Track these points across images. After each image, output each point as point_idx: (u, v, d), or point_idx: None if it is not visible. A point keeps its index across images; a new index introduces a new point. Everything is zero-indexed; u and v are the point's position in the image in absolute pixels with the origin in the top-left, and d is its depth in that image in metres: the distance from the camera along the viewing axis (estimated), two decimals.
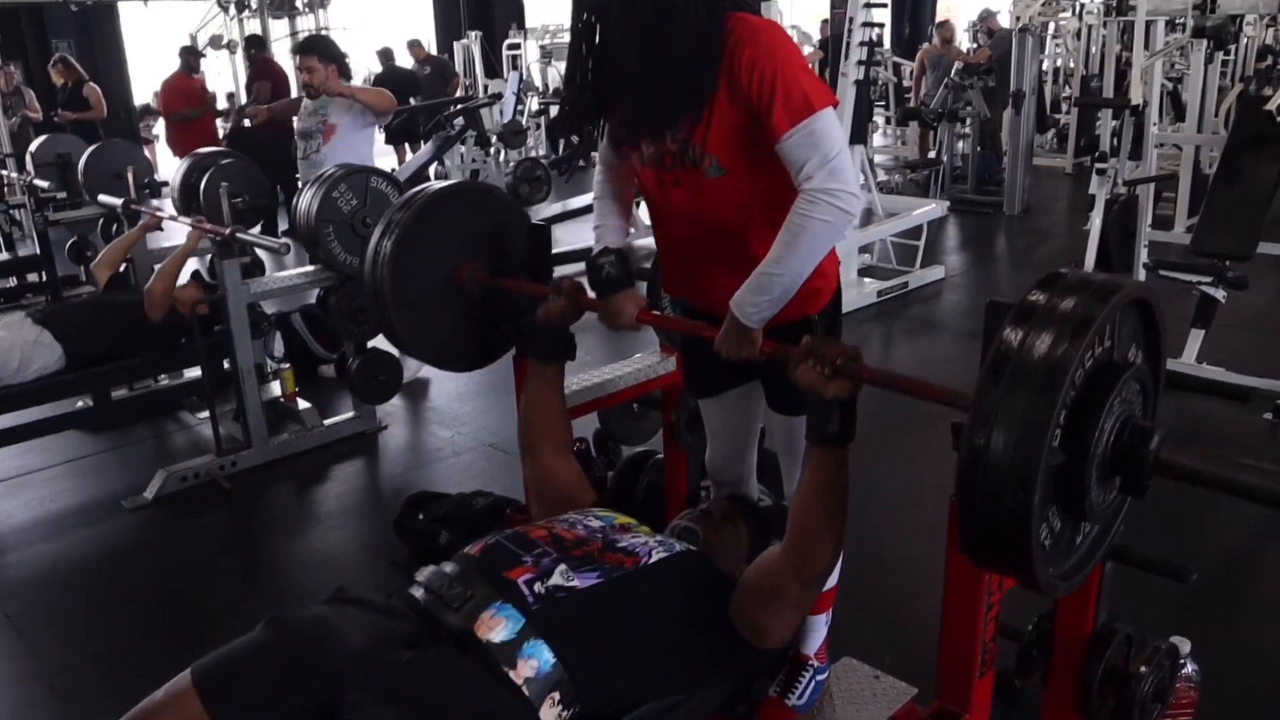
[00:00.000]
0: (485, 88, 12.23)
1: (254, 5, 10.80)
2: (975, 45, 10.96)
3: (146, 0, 10.71)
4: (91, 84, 8.66)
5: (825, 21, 15.71)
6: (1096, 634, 1.98)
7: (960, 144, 9.36)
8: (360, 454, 4.03)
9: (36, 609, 2.99)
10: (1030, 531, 1.19)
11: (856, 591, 2.91)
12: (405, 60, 11.75)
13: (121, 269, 4.35)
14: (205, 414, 4.12)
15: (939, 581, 1.72)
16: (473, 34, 12.90)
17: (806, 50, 12.75)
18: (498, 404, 4.26)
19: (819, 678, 2.11)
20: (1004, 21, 10.96)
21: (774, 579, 1.62)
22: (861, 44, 5.21)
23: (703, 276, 1.89)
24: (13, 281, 6.53)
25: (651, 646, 1.57)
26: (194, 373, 4.23)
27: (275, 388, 4.25)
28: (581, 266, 6.19)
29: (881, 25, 5.19)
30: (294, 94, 8.54)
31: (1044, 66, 11.45)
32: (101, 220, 5.64)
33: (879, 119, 11.22)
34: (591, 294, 2.00)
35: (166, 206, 5.01)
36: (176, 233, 5.43)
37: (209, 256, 4.10)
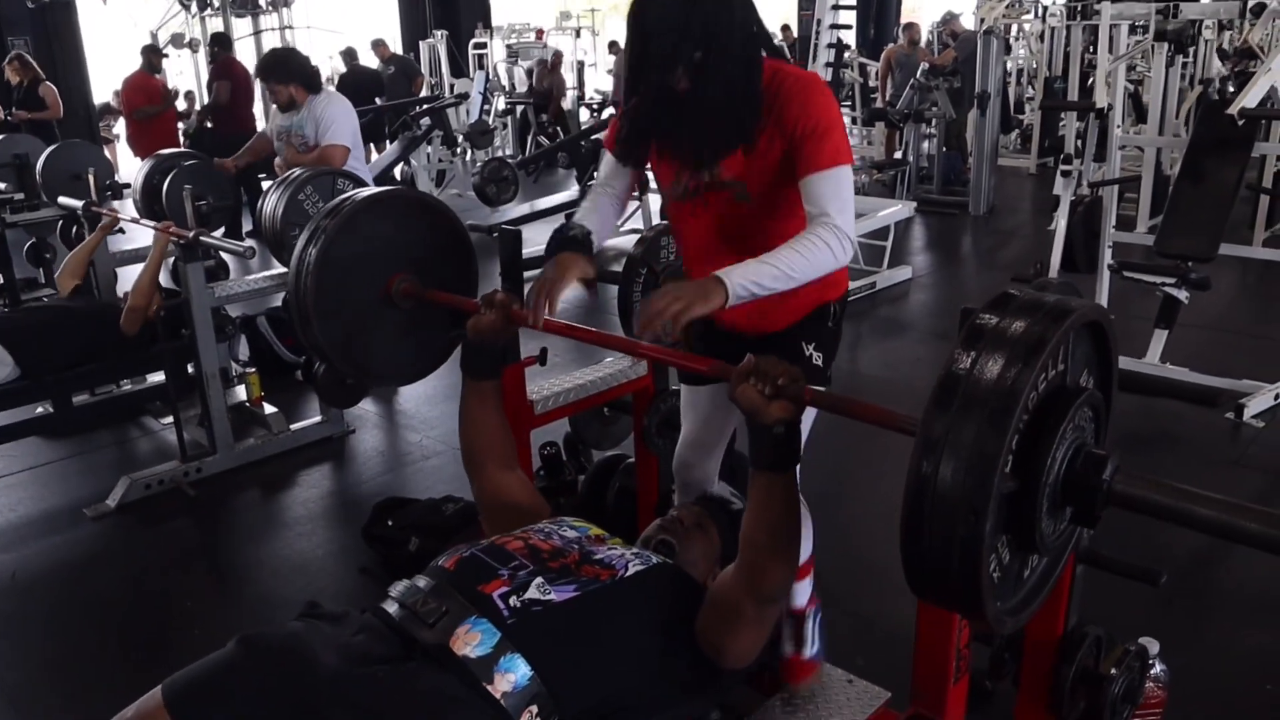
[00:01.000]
0: (451, 87, 12.18)
1: (216, 4, 10.68)
2: (942, 46, 11.03)
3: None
4: (48, 83, 8.50)
5: (785, 27, 15.81)
6: (1067, 636, 2.00)
7: (926, 144, 9.43)
8: (328, 459, 3.98)
9: None
10: (980, 563, 1.14)
11: (828, 592, 2.91)
12: (370, 60, 11.66)
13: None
14: (169, 419, 4.06)
15: None
16: (438, 33, 12.85)
17: None
18: None
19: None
20: (967, 23, 11.04)
21: (729, 599, 1.59)
22: (829, 45, 5.23)
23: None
24: None
25: (628, 660, 1.55)
26: (157, 377, 4.16)
27: (241, 392, 4.20)
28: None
29: (849, 27, 5.21)
30: (256, 94, 8.47)
31: (1008, 68, 11.57)
32: (61, 222, 5.53)
33: (845, 119, 11.28)
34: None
35: (128, 208, 4.94)
36: (139, 235, 5.36)
37: (173, 260, 4.04)
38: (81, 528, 3.46)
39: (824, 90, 1.84)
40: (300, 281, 2.11)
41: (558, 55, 13.13)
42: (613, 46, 14.70)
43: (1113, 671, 2.00)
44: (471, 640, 1.46)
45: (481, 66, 12.74)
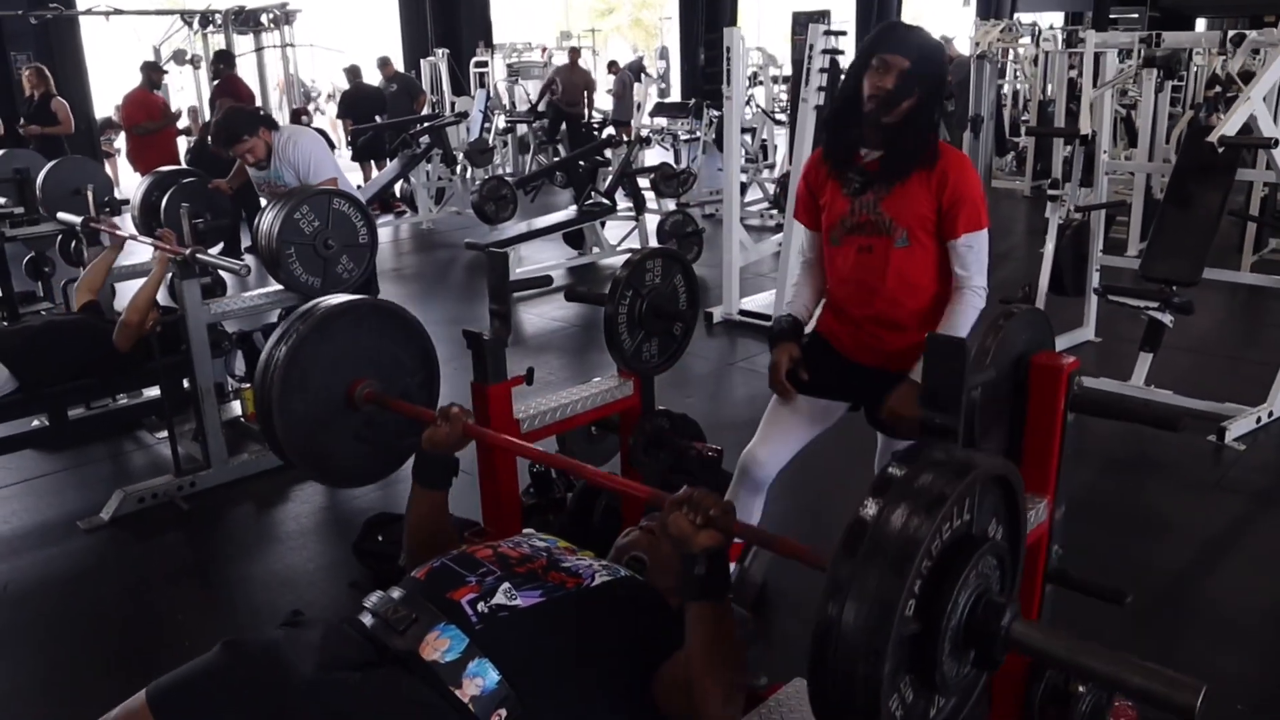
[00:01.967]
0: (452, 105, 12.27)
1: (218, 21, 10.77)
2: None
3: (109, 15, 10.62)
4: (59, 98, 8.55)
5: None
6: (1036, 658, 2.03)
7: None
8: None
9: None
10: (881, 703, 1.18)
11: (809, 609, 2.96)
12: (372, 77, 11.76)
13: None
14: (164, 434, 4.10)
15: None
16: (440, 51, 12.93)
17: (773, 72, 12.91)
18: None
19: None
20: (962, 48, 11.15)
21: (677, 711, 1.57)
22: (821, 70, 5.30)
23: (872, 335, 2.42)
24: None
25: (592, 666, 1.59)
26: (153, 392, 4.21)
27: (235, 407, 4.25)
28: (534, 293, 6.09)
29: (842, 52, 5.28)
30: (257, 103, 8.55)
31: (1004, 91, 11.68)
32: (60, 237, 5.60)
33: None
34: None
35: (126, 224, 4.99)
36: (136, 251, 5.42)
37: (169, 276, 4.09)
38: (75, 540, 3.50)
39: (973, 170, 2.33)
40: (266, 378, 2.19)
41: (574, 51, 13.04)
42: (612, 66, 14.78)
43: (1080, 690, 2.04)
44: (440, 646, 1.51)
45: (482, 85, 12.83)
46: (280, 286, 3.90)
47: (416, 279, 7.89)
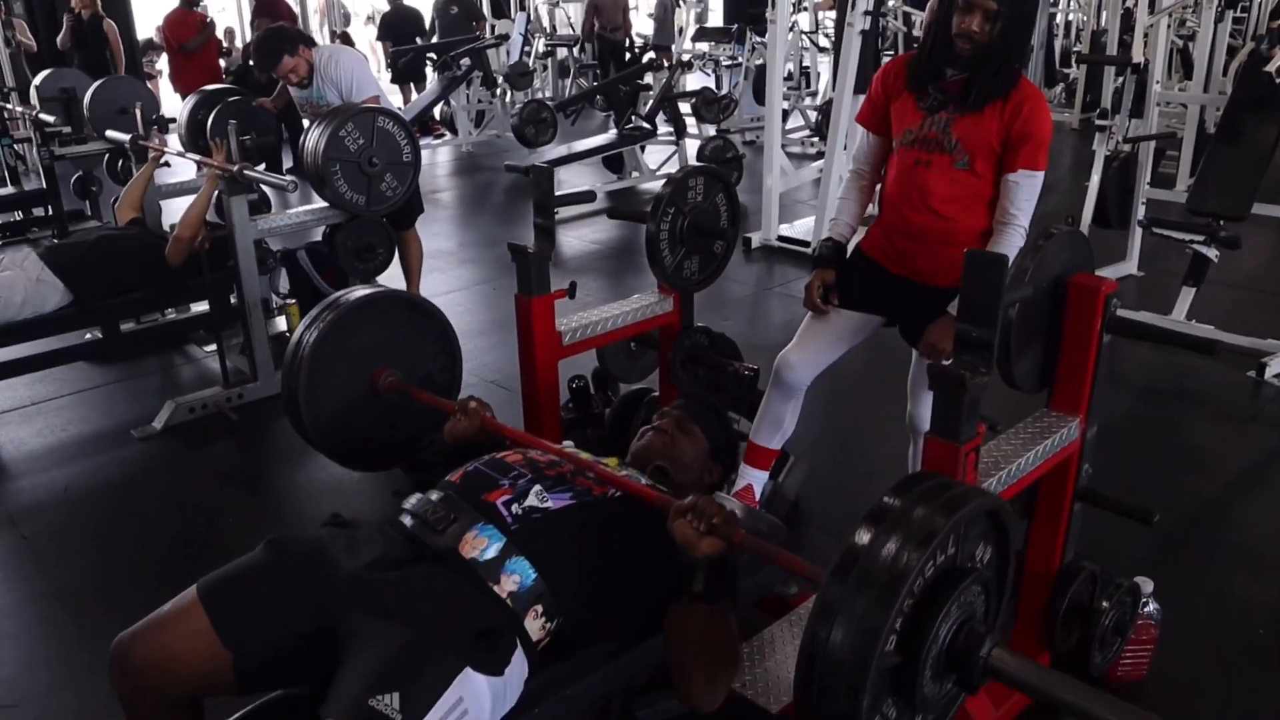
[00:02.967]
0: (492, 28, 12.14)
1: None
2: None
3: None
4: (109, 20, 8.54)
5: None
6: (1063, 570, 2.08)
7: None
8: None
9: (50, 532, 3.10)
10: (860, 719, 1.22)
11: (840, 524, 3.02)
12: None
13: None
14: (212, 347, 4.21)
15: None
16: None
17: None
18: (500, 342, 4.34)
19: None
20: None
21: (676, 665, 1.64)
22: None
23: (919, 246, 2.42)
24: (18, 216, 6.59)
25: (621, 571, 1.67)
26: (201, 307, 4.31)
27: (281, 323, 4.34)
28: (581, 209, 6.16)
29: None
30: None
31: (1056, 20, 11.37)
32: (107, 156, 5.67)
33: None
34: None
35: (173, 143, 5.05)
36: (182, 169, 5.48)
37: (216, 193, 4.15)
38: (129, 448, 3.62)
39: (1047, 107, 2.32)
40: (294, 363, 2.25)
41: None
42: None
43: (1104, 605, 2.09)
44: (479, 545, 1.58)
45: (523, 8, 12.68)
46: (324, 204, 3.95)
47: (456, 202, 7.92)
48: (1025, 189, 2.29)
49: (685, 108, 8.06)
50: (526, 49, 11.51)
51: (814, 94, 10.52)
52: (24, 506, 3.25)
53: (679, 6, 14.31)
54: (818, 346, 2.55)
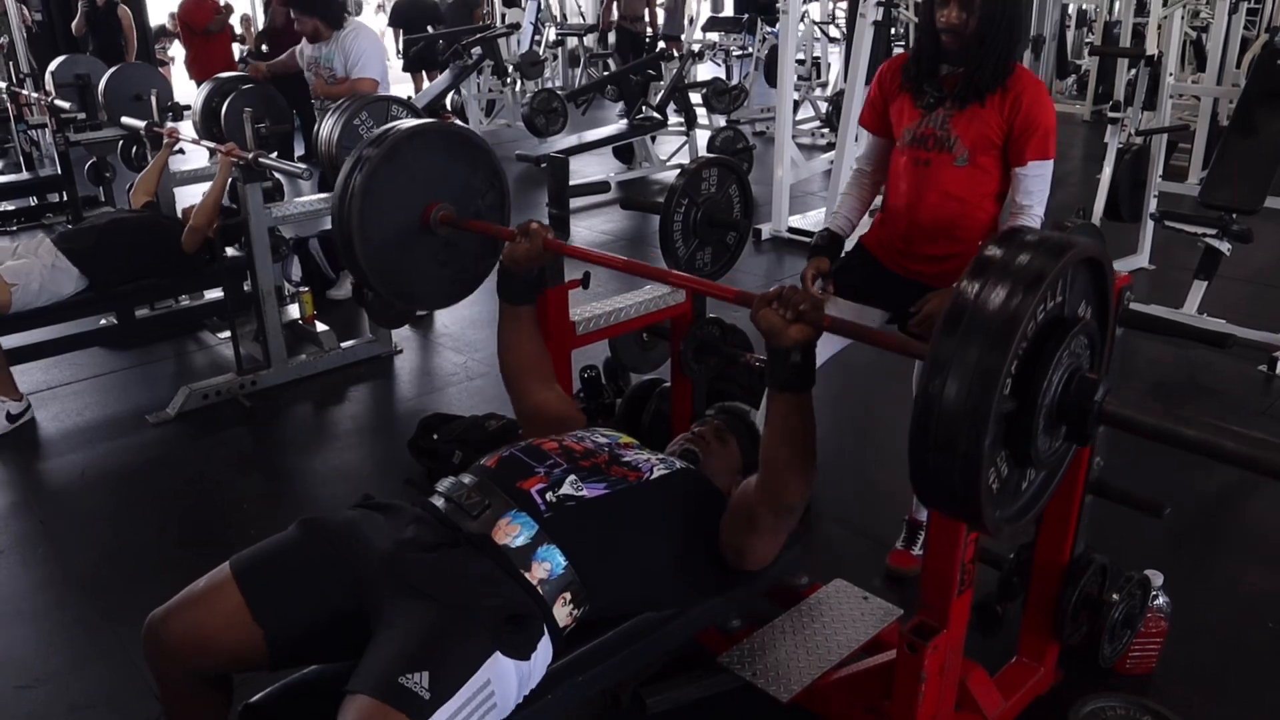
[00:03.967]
0: (503, 17, 12.14)
1: None
2: None
3: None
4: (124, 6, 8.53)
5: None
6: (1074, 563, 2.09)
7: None
8: (376, 376, 4.14)
9: (66, 515, 3.13)
10: (980, 474, 1.23)
11: (851, 516, 3.04)
12: None
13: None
14: (226, 334, 4.24)
15: None
16: None
17: None
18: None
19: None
20: None
21: (750, 509, 1.69)
22: None
23: (921, 247, 2.41)
24: (34, 201, 6.62)
25: (652, 557, 1.68)
26: (215, 294, 4.33)
27: (294, 310, 4.36)
28: (593, 199, 6.19)
29: None
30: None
31: (1069, 11, 11.31)
32: (121, 142, 5.69)
33: None
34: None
35: (187, 130, 5.07)
36: (196, 156, 5.50)
37: (230, 180, 4.17)
38: (144, 433, 3.65)
39: (1048, 95, 2.30)
40: (345, 206, 2.21)
41: None
42: None
43: (1114, 597, 2.10)
44: (512, 531, 1.59)
45: None
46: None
47: None
48: (1037, 180, 2.27)
49: (696, 98, 8.05)
50: (537, 38, 11.50)
51: (825, 85, 10.50)
52: (40, 490, 3.29)
53: None
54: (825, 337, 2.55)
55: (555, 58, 12.50)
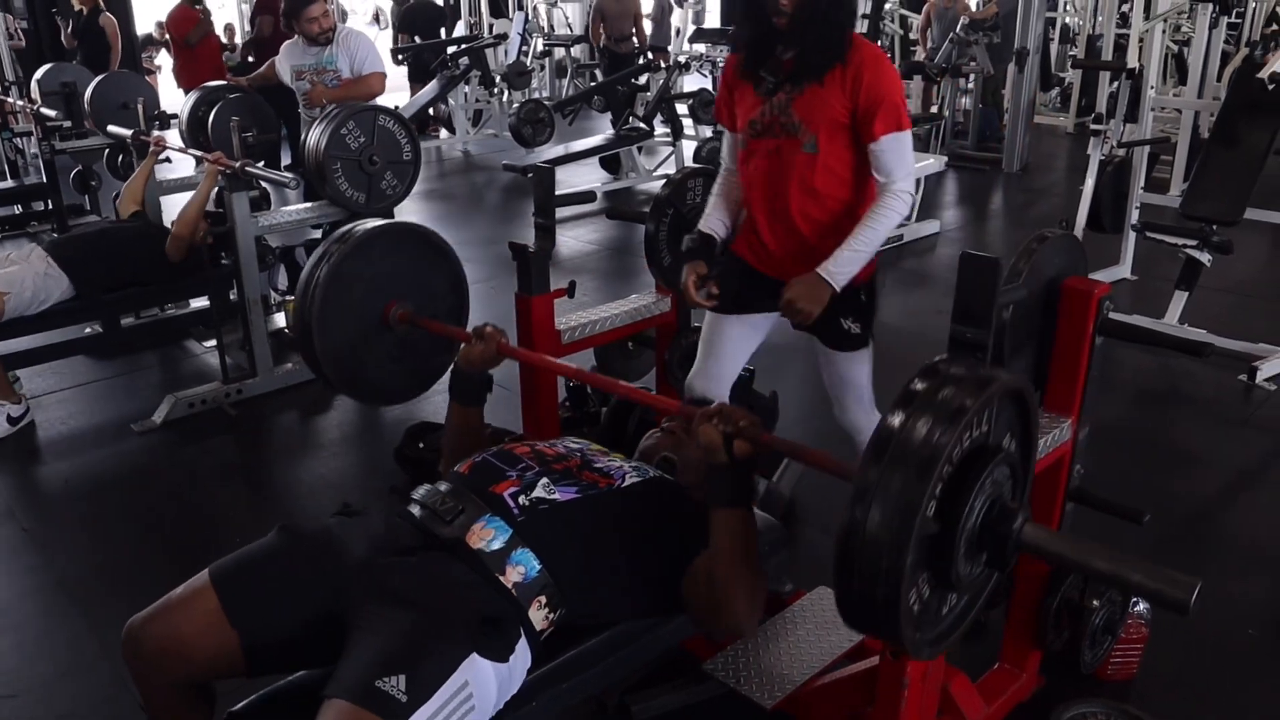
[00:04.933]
0: (490, 27, 12.16)
1: None
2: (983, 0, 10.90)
3: None
4: (108, 14, 8.50)
5: None
6: (1055, 570, 2.11)
7: (963, 99, 9.37)
8: None
9: (52, 524, 3.13)
10: (900, 595, 1.25)
11: (834, 523, 3.04)
12: None
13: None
14: (210, 343, 4.24)
15: None
16: None
17: None
18: None
19: None
20: None
21: (702, 606, 1.65)
22: None
23: (783, 241, 2.31)
24: (18, 209, 6.60)
25: (623, 562, 1.69)
26: (200, 303, 4.33)
27: (280, 319, 4.36)
28: (579, 209, 6.20)
29: None
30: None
31: (1057, 24, 11.41)
32: (107, 151, 5.69)
33: None
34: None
35: (174, 139, 5.07)
36: (182, 165, 5.50)
37: (217, 189, 4.18)
38: (129, 441, 3.64)
39: (890, 67, 2.20)
40: (306, 297, 2.26)
41: None
42: None
43: (1095, 604, 2.12)
44: (486, 536, 1.60)
45: (521, 7, 12.70)
46: (323, 201, 3.97)
47: (453, 200, 7.94)
48: (894, 152, 2.16)
49: (683, 109, 8.08)
50: (524, 48, 11.52)
51: None
52: (25, 499, 3.28)
53: (677, 8, 14.33)
54: (718, 362, 2.47)
55: (542, 68, 12.53)
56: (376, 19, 16.58)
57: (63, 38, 8.43)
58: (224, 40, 10.40)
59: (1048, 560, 1.33)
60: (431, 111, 9.94)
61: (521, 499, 1.66)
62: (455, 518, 1.65)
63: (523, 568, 1.59)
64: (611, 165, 8.01)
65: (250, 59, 8.52)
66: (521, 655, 1.53)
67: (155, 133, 4.47)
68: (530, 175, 2.65)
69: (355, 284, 2.29)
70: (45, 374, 4.12)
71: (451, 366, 2.13)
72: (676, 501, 1.80)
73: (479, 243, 6.24)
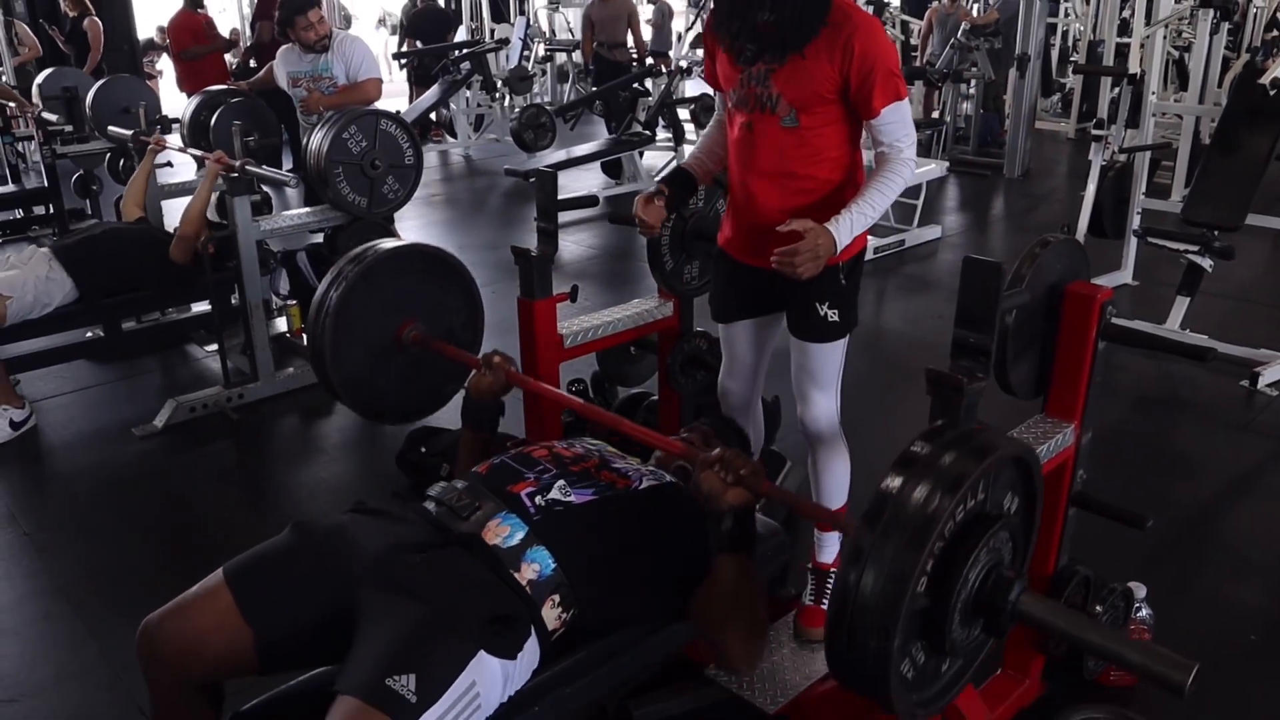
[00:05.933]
0: (492, 32, 12.17)
1: None
2: (986, 4, 10.91)
3: None
4: (94, 18, 8.52)
5: None
6: (1057, 575, 2.11)
7: (964, 105, 9.38)
8: None
9: (51, 528, 3.12)
10: (890, 669, 1.24)
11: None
12: None
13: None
14: (213, 347, 4.23)
15: None
16: None
17: None
18: (500, 345, 4.29)
19: None
20: None
21: (706, 639, 1.69)
22: (867, 3, 5.25)
23: (757, 227, 2.17)
24: (19, 214, 6.61)
25: (637, 564, 1.69)
26: (202, 307, 4.33)
27: (281, 324, 4.36)
28: (581, 214, 6.21)
29: None
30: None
31: (1058, 30, 11.43)
32: (109, 154, 5.68)
33: None
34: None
35: (175, 144, 5.08)
36: (184, 169, 5.50)
37: (219, 195, 4.18)
38: (130, 446, 3.64)
39: (883, 33, 2.07)
40: (320, 320, 2.27)
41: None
42: None
43: (1098, 610, 2.12)
44: (502, 532, 1.61)
45: (523, 12, 12.73)
46: (324, 205, 3.97)
47: (455, 205, 7.95)
48: (898, 122, 2.04)
49: (684, 114, 8.08)
50: (526, 53, 11.53)
51: None
52: (26, 503, 3.27)
53: (678, 13, 14.36)
54: (740, 362, 2.43)
55: (544, 73, 12.55)
56: (383, 22, 16.57)
57: (59, 42, 8.45)
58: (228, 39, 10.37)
59: (1048, 631, 1.32)
60: (434, 116, 9.94)
61: (538, 499, 1.68)
62: (472, 513, 1.67)
63: (537, 565, 1.59)
64: (613, 170, 8.01)
65: (252, 64, 8.53)
66: (530, 653, 1.54)
67: (155, 135, 4.48)
68: (532, 180, 2.66)
69: (367, 307, 2.30)
70: (46, 378, 4.12)
71: (463, 392, 2.15)
72: (688, 508, 1.81)
73: (481, 247, 6.25)
